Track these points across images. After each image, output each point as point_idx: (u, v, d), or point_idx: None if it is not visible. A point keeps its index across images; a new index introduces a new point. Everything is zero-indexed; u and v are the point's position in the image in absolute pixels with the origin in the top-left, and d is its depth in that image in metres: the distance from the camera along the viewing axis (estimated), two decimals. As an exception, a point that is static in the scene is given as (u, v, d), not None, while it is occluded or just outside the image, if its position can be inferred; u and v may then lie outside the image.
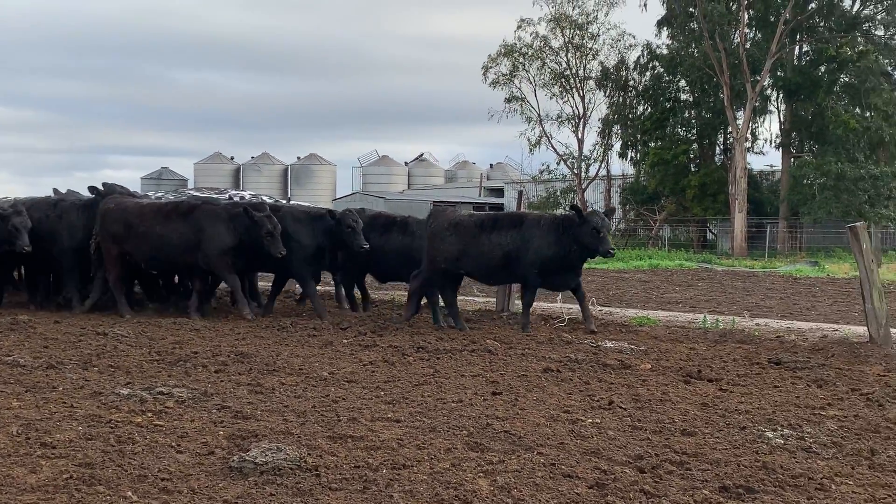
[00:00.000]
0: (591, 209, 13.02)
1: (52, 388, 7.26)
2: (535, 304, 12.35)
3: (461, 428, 6.22)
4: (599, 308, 13.24)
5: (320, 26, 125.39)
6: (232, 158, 75.80)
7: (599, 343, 10.59)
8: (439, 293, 12.20)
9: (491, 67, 50.28)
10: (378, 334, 10.83)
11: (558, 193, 51.20)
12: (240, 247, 12.22)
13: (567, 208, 47.96)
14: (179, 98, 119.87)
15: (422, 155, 76.93)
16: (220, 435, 5.89)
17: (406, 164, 76.08)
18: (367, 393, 7.40)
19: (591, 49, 49.40)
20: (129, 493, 4.71)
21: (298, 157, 75.61)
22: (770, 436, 6.17)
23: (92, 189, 13.71)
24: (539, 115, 50.70)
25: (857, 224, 10.70)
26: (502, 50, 49.82)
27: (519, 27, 49.63)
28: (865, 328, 10.61)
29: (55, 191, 15.55)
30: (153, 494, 4.73)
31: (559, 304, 14.04)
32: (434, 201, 41.61)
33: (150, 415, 6.41)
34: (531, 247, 11.57)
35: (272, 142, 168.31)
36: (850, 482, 5.22)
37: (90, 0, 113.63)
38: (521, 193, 17.89)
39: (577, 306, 12.16)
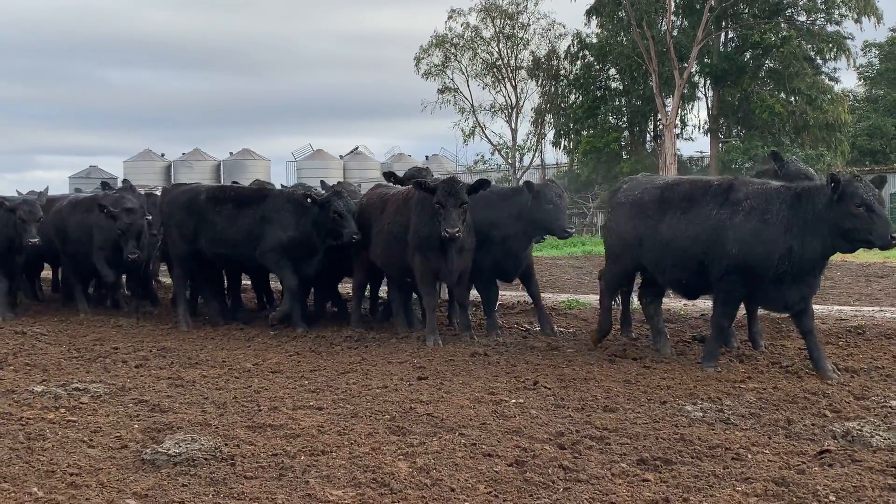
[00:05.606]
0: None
1: (-38, 389, 7.02)
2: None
3: (384, 413, 6.16)
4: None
5: (251, 24, 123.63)
6: (163, 155, 74.50)
7: (529, 327, 10.65)
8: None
9: (423, 58, 50.14)
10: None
11: (494, 183, 51.30)
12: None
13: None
14: (109, 97, 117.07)
15: (357, 148, 76.25)
16: (135, 428, 5.76)
17: (341, 157, 75.45)
18: (290, 383, 7.29)
19: (521, 39, 49.56)
20: (35, 489, 4.57)
21: (231, 153, 74.45)
22: (689, 409, 6.24)
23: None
24: (472, 105, 50.72)
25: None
26: (434, 41, 49.73)
27: (450, 17, 49.56)
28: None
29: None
30: (60, 489, 4.59)
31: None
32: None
33: (63, 411, 6.25)
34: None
35: (204, 139, 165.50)
36: (767, 451, 5.29)
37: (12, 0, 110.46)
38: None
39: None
